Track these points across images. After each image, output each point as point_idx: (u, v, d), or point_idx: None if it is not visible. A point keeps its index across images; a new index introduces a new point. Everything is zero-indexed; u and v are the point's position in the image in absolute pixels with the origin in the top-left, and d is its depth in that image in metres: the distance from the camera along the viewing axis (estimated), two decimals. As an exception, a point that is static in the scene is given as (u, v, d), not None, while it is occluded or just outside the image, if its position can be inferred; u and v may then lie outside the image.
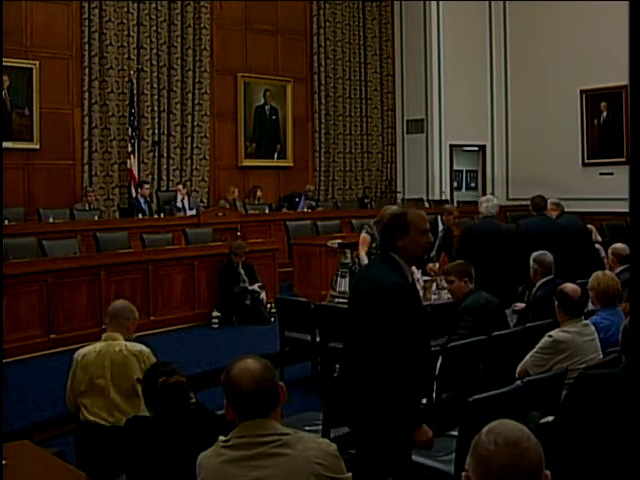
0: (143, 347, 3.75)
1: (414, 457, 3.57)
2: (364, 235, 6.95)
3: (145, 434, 2.82)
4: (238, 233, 9.55)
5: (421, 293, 6.46)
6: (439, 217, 7.76)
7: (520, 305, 5.75)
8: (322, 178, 13.75)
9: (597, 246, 7.85)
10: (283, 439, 2.06)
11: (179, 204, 10.68)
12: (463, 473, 1.51)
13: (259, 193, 12.31)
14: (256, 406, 2.08)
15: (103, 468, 3.34)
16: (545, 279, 5.19)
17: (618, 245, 5.68)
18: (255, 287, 8.20)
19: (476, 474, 1.47)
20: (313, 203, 12.25)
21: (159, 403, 2.80)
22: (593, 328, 4.12)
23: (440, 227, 7.64)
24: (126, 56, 11.23)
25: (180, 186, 11.09)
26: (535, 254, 5.34)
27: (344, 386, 3.14)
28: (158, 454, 2.73)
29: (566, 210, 7.80)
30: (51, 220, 9.28)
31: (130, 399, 3.60)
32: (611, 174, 12.51)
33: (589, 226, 8.23)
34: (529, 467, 1.46)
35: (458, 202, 13.82)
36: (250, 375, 2.09)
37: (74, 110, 10.98)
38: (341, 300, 6.42)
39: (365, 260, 6.89)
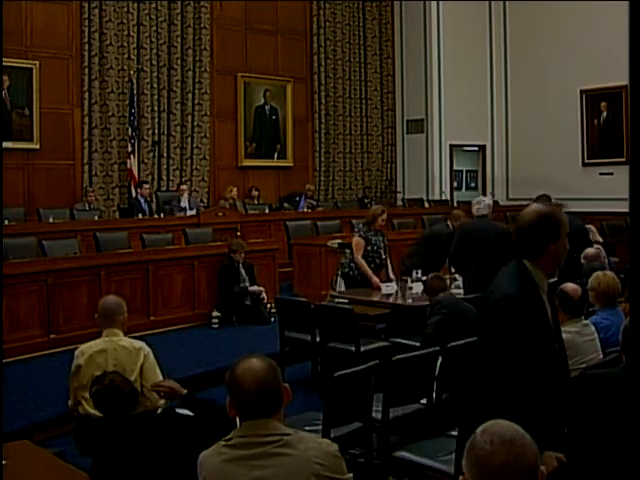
0: (144, 344, 3.86)
1: (414, 457, 3.57)
2: (357, 239, 6.95)
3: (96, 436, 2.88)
4: (238, 233, 9.55)
5: (421, 293, 6.47)
6: (448, 222, 7.59)
7: None
8: (322, 178, 13.75)
9: (597, 246, 7.84)
10: (284, 439, 2.06)
11: (183, 204, 10.67)
12: (460, 477, 1.51)
13: (254, 193, 12.30)
14: (259, 406, 2.08)
15: (103, 460, 3.23)
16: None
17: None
18: (255, 288, 8.20)
19: (473, 475, 1.47)
20: (314, 202, 12.25)
21: (99, 408, 2.76)
22: (593, 328, 4.12)
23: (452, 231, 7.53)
24: (126, 56, 11.23)
25: (184, 186, 11.09)
26: None
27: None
28: (107, 455, 2.68)
29: (566, 210, 7.80)
30: (51, 220, 9.27)
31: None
32: (611, 174, 12.52)
33: (588, 226, 8.23)
34: (526, 465, 1.46)
35: (458, 202, 13.81)
36: (254, 375, 2.09)
37: (74, 110, 10.98)
38: (341, 300, 6.43)
39: (364, 264, 6.90)
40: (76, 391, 3.77)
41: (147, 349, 3.83)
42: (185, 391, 3.02)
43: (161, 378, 3.76)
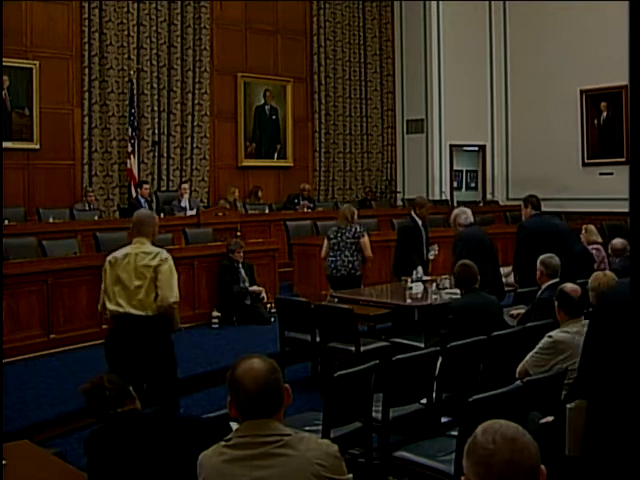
0: (163, 250, 4.40)
1: (413, 457, 3.57)
2: (367, 239, 7.23)
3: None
4: (238, 233, 9.55)
5: (421, 293, 6.48)
6: (412, 214, 7.62)
7: (515, 311, 5.74)
8: (322, 178, 13.75)
9: (597, 246, 7.85)
10: (285, 440, 2.06)
11: (183, 204, 10.66)
12: (462, 477, 1.50)
13: (260, 193, 12.29)
14: (259, 406, 2.08)
15: (128, 355, 4.21)
16: (551, 282, 5.18)
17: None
18: (255, 288, 8.20)
19: (477, 475, 1.46)
20: (311, 205, 12.11)
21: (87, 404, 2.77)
22: (593, 328, 4.11)
23: (420, 223, 7.54)
24: (126, 56, 11.23)
25: (185, 186, 11.09)
26: (542, 257, 5.33)
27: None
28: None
29: (566, 210, 7.83)
30: (51, 220, 9.27)
31: (146, 291, 4.26)
32: (611, 174, 12.52)
33: (588, 226, 8.22)
34: (529, 462, 1.45)
35: (458, 202, 13.82)
36: (254, 375, 2.09)
37: (74, 110, 10.98)
38: (341, 299, 6.43)
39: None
40: (102, 293, 4.39)
41: (166, 254, 4.34)
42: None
43: (175, 282, 4.29)
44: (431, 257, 7.50)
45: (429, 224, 7.91)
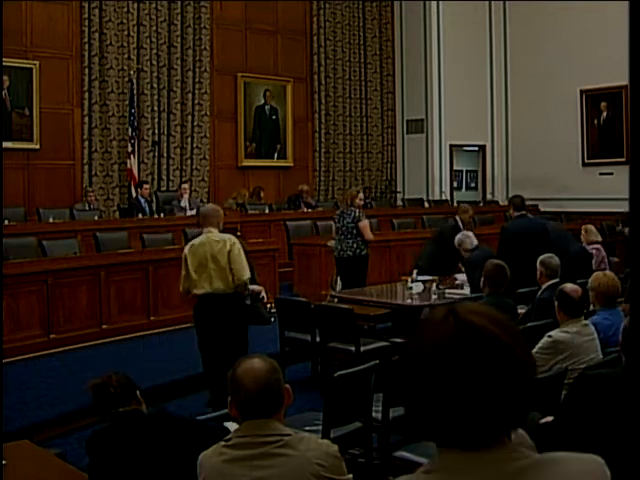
0: (232, 236, 5.10)
1: (414, 457, 3.57)
2: (365, 222, 7.54)
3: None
4: (238, 233, 9.52)
5: (420, 294, 6.48)
6: (457, 217, 7.90)
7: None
8: (322, 178, 13.75)
9: (596, 246, 7.85)
10: (285, 440, 2.06)
11: (183, 204, 10.66)
12: None
13: (262, 194, 12.26)
14: (258, 406, 2.08)
15: (213, 326, 5.07)
16: (551, 282, 5.18)
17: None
18: (255, 287, 8.18)
19: None
20: (309, 210, 12.03)
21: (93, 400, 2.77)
22: (593, 328, 4.12)
23: (461, 227, 7.70)
24: (126, 56, 11.23)
25: (185, 185, 11.08)
26: (542, 257, 5.34)
27: None
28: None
29: (566, 211, 7.85)
30: (51, 220, 9.27)
31: (223, 272, 4.96)
32: (611, 174, 12.51)
33: (586, 226, 8.21)
34: None
35: (458, 202, 13.81)
36: (254, 375, 2.09)
37: (74, 110, 10.98)
38: (341, 297, 6.43)
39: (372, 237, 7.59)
40: (183, 278, 5.04)
41: (233, 239, 5.02)
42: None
43: (245, 262, 4.98)
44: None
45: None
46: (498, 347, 1.03)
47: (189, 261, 4.99)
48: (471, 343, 1.02)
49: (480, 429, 1.02)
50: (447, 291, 6.36)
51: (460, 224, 7.71)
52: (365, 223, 7.57)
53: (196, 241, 5.09)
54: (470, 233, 6.68)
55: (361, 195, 7.82)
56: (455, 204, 13.63)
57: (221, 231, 5.14)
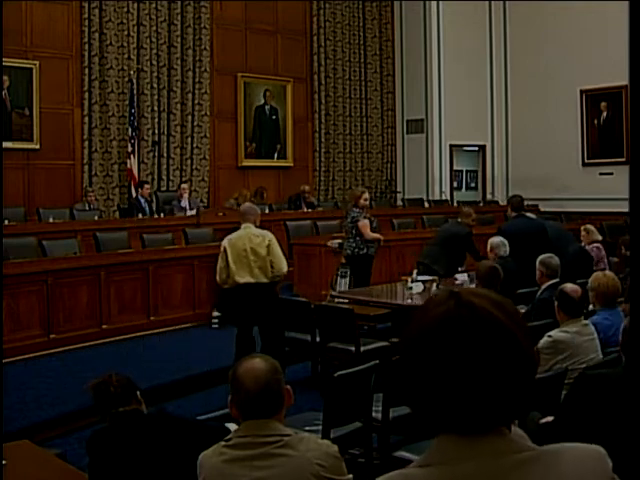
0: (268, 232, 5.63)
1: (414, 457, 3.57)
2: (364, 221, 7.59)
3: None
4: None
5: (420, 294, 6.48)
6: (459, 220, 7.89)
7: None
8: (322, 178, 13.75)
9: (596, 245, 7.84)
10: (285, 440, 2.06)
11: (183, 204, 10.66)
12: None
13: (265, 195, 12.25)
14: (258, 407, 2.08)
15: (248, 313, 5.56)
16: (551, 282, 5.19)
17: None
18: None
19: None
20: (312, 206, 12.06)
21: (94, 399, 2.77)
22: (593, 328, 4.12)
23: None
24: (126, 56, 11.23)
25: (185, 185, 11.08)
26: (542, 257, 5.34)
27: None
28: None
29: (566, 211, 7.85)
30: (51, 220, 9.27)
31: (263, 263, 5.44)
32: (611, 174, 12.51)
33: (587, 226, 8.21)
34: None
35: (458, 202, 13.81)
36: (254, 375, 2.09)
37: (74, 110, 10.98)
38: (341, 300, 6.43)
39: (375, 235, 7.68)
40: (221, 269, 5.50)
41: (270, 235, 5.54)
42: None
43: (283, 257, 5.53)
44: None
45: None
46: (498, 329, 1.01)
47: (228, 252, 5.43)
48: (470, 323, 1.01)
49: (477, 412, 1.00)
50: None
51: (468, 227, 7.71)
52: (364, 223, 7.60)
53: (234, 235, 5.55)
54: (506, 242, 6.50)
55: (366, 195, 7.86)
56: (455, 204, 13.64)
57: (257, 226, 5.68)
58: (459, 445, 1.02)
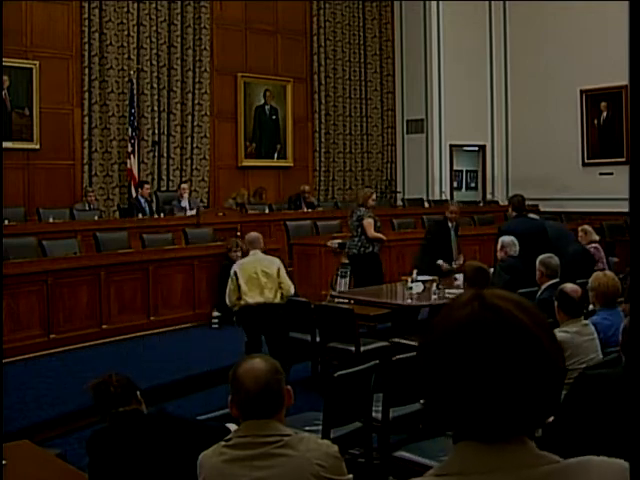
0: (275, 258, 6.00)
1: (414, 457, 3.57)
2: (369, 220, 7.77)
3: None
4: (238, 233, 9.53)
5: (420, 294, 6.48)
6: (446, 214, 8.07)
7: None
8: (322, 178, 13.75)
9: (595, 245, 7.84)
10: (285, 440, 2.06)
11: (183, 204, 10.66)
12: None
13: (264, 195, 12.25)
14: (258, 407, 2.08)
15: (258, 329, 5.86)
16: (551, 282, 5.18)
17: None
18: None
19: None
20: (312, 206, 12.06)
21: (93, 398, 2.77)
22: (592, 328, 4.12)
23: (450, 225, 7.86)
24: (126, 56, 11.23)
25: (185, 185, 11.08)
26: (542, 257, 5.34)
27: None
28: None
29: (566, 211, 7.84)
30: (51, 220, 9.27)
31: (274, 285, 5.78)
32: (611, 174, 12.51)
33: (584, 227, 8.20)
34: None
35: (458, 202, 13.80)
36: (254, 375, 2.09)
37: (74, 110, 10.98)
38: (341, 300, 6.43)
39: (379, 235, 7.81)
40: (231, 292, 5.83)
41: (278, 261, 5.94)
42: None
43: (289, 281, 5.91)
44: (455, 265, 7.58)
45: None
46: (523, 333, 0.98)
47: (239, 275, 5.80)
48: (494, 326, 0.98)
49: (499, 419, 0.97)
50: (447, 291, 6.36)
51: (449, 223, 7.88)
52: (369, 221, 7.76)
53: (245, 260, 6.00)
54: (517, 242, 6.42)
55: (374, 196, 8.31)
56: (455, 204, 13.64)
57: (264, 251, 6.09)
58: (479, 454, 0.98)
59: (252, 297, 5.79)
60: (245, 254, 6.19)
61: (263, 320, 5.80)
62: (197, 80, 12.08)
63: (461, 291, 6.31)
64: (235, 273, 5.84)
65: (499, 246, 6.45)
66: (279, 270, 5.84)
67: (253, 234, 6.18)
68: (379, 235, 7.91)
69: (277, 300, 5.86)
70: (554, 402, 1.01)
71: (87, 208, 10.35)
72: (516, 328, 0.99)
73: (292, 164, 13.38)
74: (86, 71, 10.96)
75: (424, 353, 1.04)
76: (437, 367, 1.00)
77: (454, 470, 0.99)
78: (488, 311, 0.99)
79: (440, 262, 7.48)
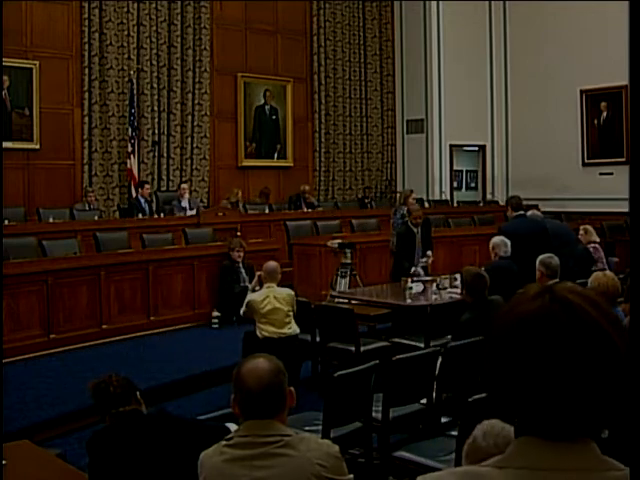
0: (290, 290, 5.87)
1: (414, 457, 3.57)
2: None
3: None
4: (238, 233, 9.54)
5: (420, 294, 6.48)
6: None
7: None
8: (322, 178, 13.75)
9: (594, 245, 7.84)
10: (285, 440, 2.06)
11: (183, 204, 10.65)
12: None
13: (270, 196, 12.23)
14: (260, 407, 2.08)
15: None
16: (551, 282, 5.18)
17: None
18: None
19: None
20: (312, 206, 12.05)
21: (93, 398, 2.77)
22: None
23: (415, 230, 7.98)
24: (126, 56, 11.23)
25: (185, 185, 11.08)
26: (541, 257, 5.33)
27: None
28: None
29: (566, 210, 7.84)
30: (51, 220, 9.27)
31: (287, 319, 5.62)
32: (611, 174, 12.51)
33: (585, 227, 8.21)
34: None
35: (458, 202, 13.83)
36: (257, 375, 2.09)
37: (74, 110, 10.98)
38: (341, 300, 6.43)
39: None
40: (245, 313, 5.72)
41: (292, 292, 5.82)
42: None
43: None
44: (422, 264, 7.63)
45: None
46: (593, 328, 0.96)
47: (256, 309, 5.64)
48: (565, 321, 0.96)
49: (565, 417, 0.95)
50: (447, 291, 6.36)
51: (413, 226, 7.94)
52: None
53: (259, 293, 5.77)
54: (508, 242, 6.35)
55: (414, 194, 8.83)
56: (455, 204, 13.65)
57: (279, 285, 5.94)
58: (542, 451, 0.96)
59: (269, 331, 5.60)
60: (260, 284, 5.93)
61: (276, 353, 5.73)
62: (197, 80, 12.08)
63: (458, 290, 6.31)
64: (252, 306, 5.69)
65: (490, 247, 6.40)
66: (293, 305, 5.71)
67: (272, 264, 5.95)
68: None
69: (291, 332, 5.68)
70: (622, 402, 0.98)
71: (87, 208, 10.35)
72: (586, 323, 0.96)
73: (292, 164, 13.38)
74: (86, 71, 10.96)
75: (492, 345, 1.02)
76: (505, 360, 0.98)
77: (517, 464, 0.97)
78: (557, 304, 0.98)
79: (407, 265, 7.65)
